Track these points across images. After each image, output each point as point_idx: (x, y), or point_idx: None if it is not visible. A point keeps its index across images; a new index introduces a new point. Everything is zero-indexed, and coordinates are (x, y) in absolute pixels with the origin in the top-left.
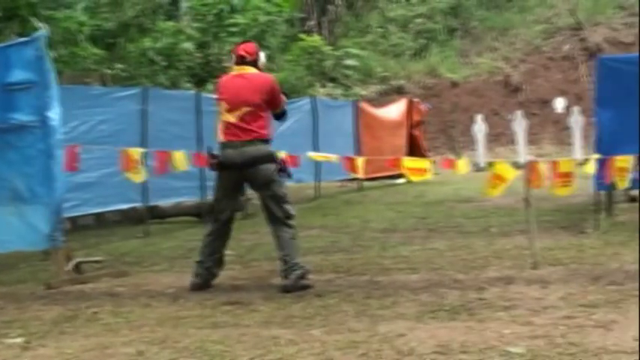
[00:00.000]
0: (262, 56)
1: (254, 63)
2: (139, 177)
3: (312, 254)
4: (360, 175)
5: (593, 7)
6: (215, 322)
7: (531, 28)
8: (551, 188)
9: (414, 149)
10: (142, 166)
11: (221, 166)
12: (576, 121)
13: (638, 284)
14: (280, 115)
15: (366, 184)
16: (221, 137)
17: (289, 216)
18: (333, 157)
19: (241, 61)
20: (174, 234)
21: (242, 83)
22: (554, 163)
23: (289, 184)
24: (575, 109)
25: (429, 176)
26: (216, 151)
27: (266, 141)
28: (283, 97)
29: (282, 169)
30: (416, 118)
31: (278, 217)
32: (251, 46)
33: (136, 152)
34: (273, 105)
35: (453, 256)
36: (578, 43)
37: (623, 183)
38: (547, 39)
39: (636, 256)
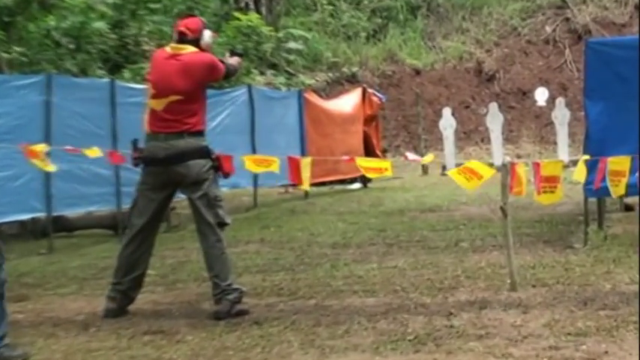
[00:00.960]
0: (207, 35)
1: (195, 42)
2: (49, 167)
3: (249, 274)
4: (304, 186)
5: None
6: (133, 355)
7: (507, 6)
8: (534, 195)
9: (367, 149)
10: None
11: (144, 161)
12: (561, 115)
13: (634, 308)
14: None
15: (314, 190)
16: (146, 127)
17: (222, 223)
18: (273, 163)
19: (180, 39)
20: (84, 250)
21: (174, 67)
22: (537, 166)
23: (222, 190)
24: (560, 101)
25: (389, 173)
26: (142, 144)
27: (198, 134)
28: (232, 62)
29: (217, 167)
30: (368, 111)
31: (209, 223)
32: (194, 22)
33: (40, 147)
34: (213, 81)
35: (417, 275)
36: (563, 24)
37: (619, 190)
38: (526, 19)
39: (634, 274)
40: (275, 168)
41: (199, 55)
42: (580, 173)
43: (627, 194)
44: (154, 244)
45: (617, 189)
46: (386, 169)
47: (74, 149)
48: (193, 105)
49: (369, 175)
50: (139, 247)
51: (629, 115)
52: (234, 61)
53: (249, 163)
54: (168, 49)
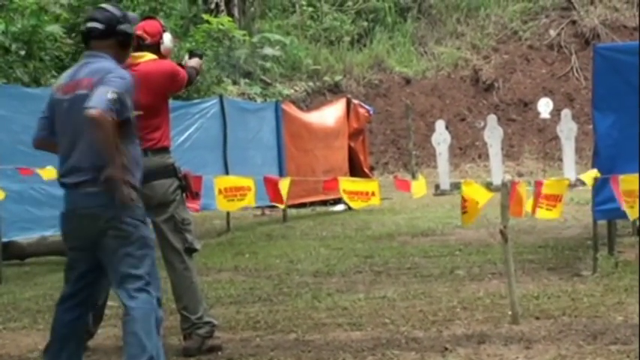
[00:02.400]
0: (167, 39)
1: (155, 47)
2: None
3: (222, 305)
4: (282, 205)
5: None
6: None
7: (507, 7)
8: (531, 209)
9: (352, 166)
10: None
11: None
12: (567, 129)
13: None
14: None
15: (293, 212)
16: None
17: (191, 249)
18: (248, 193)
19: (138, 44)
20: (37, 279)
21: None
22: (540, 185)
23: (192, 213)
24: (566, 113)
25: (376, 201)
26: None
27: (162, 151)
28: (192, 63)
29: (184, 187)
30: (354, 125)
31: (176, 249)
32: (153, 25)
33: None
34: (176, 91)
35: (408, 306)
36: (569, 28)
37: (635, 211)
38: (527, 22)
39: None
40: (251, 201)
41: (158, 63)
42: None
43: None
44: None
45: (632, 210)
46: (373, 194)
47: (26, 169)
48: (156, 119)
49: (353, 206)
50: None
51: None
52: (194, 62)
53: (222, 201)
54: None
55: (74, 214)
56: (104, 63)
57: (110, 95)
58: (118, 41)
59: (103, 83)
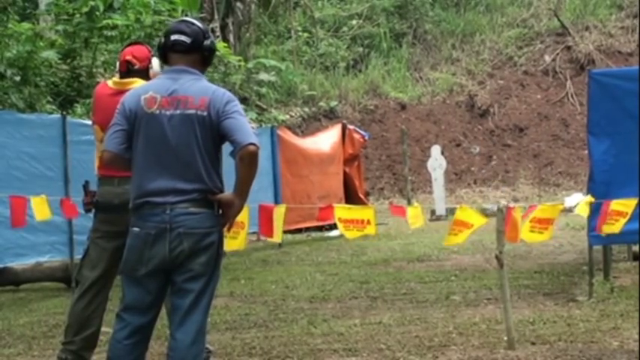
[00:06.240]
0: (156, 64)
1: (144, 72)
2: None
3: (217, 331)
4: (276, 238)
5: (582, 6)
6: None
7: (502, 33)
8: (522, 233)
9: (348, 192)
10: None
11: (96, 207)
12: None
13: None
14: None
15: (289, 237)
16: (98, 171)
17: None
18: (241, 217)
19: (127, 69)
20: (32, 305)
21: None
22: (534, 209)
23: None
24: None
25: (371, 230)
26: (95, 187)
27: None
28: None
29: None
30: (349, 150)
31: None
32: (141, 50)
33: None
34: None
35: (404, 332)
36: (564, 54)
37: (614, 228)
38: (522, 48)
39: None
40: (242, 244)
41: None
42: (584, 209)
43: (629, 241)
44: (109, 298)
45: (611, 227)
46: (368, 222)
47: (20, 198)
48: None
49: (348, 236)
50: (91, 302)
51: (638, 155)
52: None
53: None
54: (110, 83)
55: (167, 232)
56: (204, 81)
57: (253, 126)
58: (203, 57)
59: (233, 111)
